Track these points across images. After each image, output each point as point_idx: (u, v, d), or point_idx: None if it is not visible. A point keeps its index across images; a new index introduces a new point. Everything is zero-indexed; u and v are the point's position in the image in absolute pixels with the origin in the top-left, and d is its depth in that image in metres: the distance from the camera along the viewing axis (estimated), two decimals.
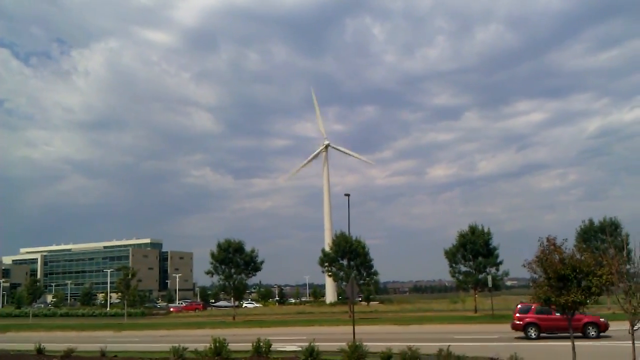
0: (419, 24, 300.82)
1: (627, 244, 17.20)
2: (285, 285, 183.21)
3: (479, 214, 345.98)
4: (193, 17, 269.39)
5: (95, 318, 78.88)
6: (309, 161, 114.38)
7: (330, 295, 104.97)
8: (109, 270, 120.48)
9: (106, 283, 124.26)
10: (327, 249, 64.49)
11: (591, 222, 59.52)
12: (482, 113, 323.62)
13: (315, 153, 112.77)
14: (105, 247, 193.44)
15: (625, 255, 16.84)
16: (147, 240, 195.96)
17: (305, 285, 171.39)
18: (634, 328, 15.36)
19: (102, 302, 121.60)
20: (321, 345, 20.90)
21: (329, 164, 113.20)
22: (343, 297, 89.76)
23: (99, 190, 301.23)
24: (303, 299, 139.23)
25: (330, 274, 62.45)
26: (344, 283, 56.18)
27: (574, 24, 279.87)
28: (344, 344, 19.57)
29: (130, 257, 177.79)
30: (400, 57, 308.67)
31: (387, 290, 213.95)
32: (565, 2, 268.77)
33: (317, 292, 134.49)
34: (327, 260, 61.15)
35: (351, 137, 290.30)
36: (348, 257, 59.22)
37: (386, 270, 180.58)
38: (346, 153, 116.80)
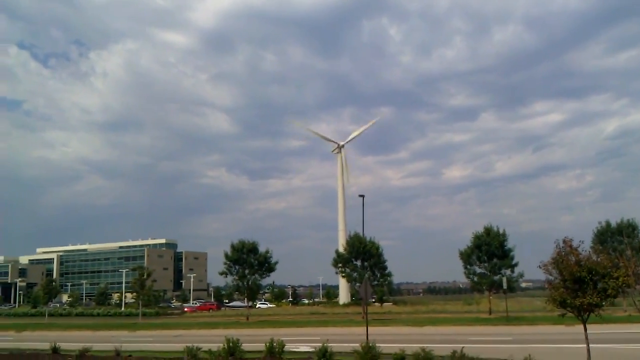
0: (436, 24, 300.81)
1: None
2: (299, 286, 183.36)
3: (494, 215, 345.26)
4: (210, 19, 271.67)
5: (110, 318, 79.36)
6: (344, 167, 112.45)
7: (343, 296, 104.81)
8: (124, 270, 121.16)
9: (121, 283, 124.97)
10: (341, 249, 64.43)
11: (608, 223, 58.89)
12: (499, 114, 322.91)
13: (341, 160, 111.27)
14: (120, 247, 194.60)
15: None
16: (162, 241, 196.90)
17: (318, 286, 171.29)
18: None
19: (117, 302, 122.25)
20: (334, 346, 20.89)
21: (343, 165, 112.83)
22: (356, 298, 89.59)
23: (115, 190, 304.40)
24: (316, 300, 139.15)
25: (343, 274, 62.33)
26: (358, 284, 56.09)
27: (593, 24, 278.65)
28: (357, 345, 19.55)
29: (146, 257, 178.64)
30: (417, 57, 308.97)
31: (401, 291, 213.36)
32: (583, 2, 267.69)
33: (331, 293, 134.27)
34: (341, 261, 61.06)
35: (366, 138, 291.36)
36: (362, 258, 59.05)
37: (400, 271, 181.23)
38: (357, 135, 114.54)
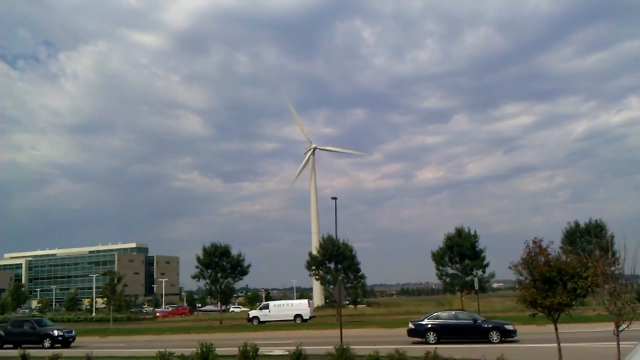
0: (409, 26, 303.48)
1: (612, 246, 17.34)
2: (273, 289, 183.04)
3: (466, 217, 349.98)
4: (183, 20, 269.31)
5: (80, 323, 77.97)
6: (302, 169, 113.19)
7: (317, 299, 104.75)
8: (94, 275, 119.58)
9: (91, 288, 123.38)
10: (315, 252, 64.36)
11: (577, 224, 59.91)
12: (471, 116, 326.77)
13: (306, 159, 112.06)
14: (90, 252, 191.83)
15: (610, 256, 16.96)
16: (133, 245, 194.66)
17: (292, 289, 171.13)
18: (619, 329, 15.46)
19: (88, 307, 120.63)
20: (308, 349, 20.84)
21: (316, 168, 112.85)
22: (330, 301, 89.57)
23: (85, 194, 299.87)
24: None
25: (317, 277, 62.29)
26: (331, 286, 56.09)
27: (563, 27, 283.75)
28: (331, 347, 19.53)
29: (116, 261, 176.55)
30: (390, 60, 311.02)
31: (375, 293, 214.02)
32: (553, 5, 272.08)
33: (305, 295, 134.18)
34: (314, 264, 60.99)
35: (340, 140, 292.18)
36: (335, 260, 59.07)
37: (374, 273, 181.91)
38: (334, 151, 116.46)
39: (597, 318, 37.50)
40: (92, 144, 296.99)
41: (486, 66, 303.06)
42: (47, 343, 36.11)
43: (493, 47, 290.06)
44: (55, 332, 37.33)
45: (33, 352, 24.80)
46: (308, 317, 59.51)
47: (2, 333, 37.77)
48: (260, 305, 68.79)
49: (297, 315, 59.36)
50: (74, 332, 39.29)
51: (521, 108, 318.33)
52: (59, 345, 35.69)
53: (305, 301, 65.59)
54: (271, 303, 67.26)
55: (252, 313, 63.57)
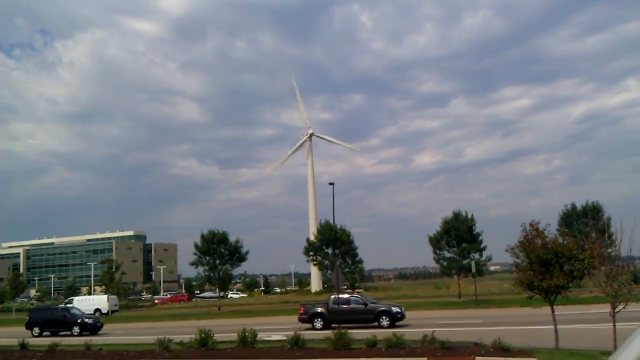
0: (407, 10, 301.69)
1: (609, 228, 17.39)
2: (271, 275, 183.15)
3: (464, 201, 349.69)
4: (179, 6, 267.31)
5: None
6: (294, 152, 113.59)
7: (315, 284, 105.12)
8: (92, 264, 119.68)
9: (90, 276, 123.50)
10: (312, 238, 64.58)
11: (574, 206, 60.10)
12: (469, 100, 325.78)
13: (299, 143, 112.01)
14: (88, 240, 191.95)
15: (606, 238, 17.02)
16: (131, 233, 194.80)
17: (290, 274, 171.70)
18: (615, 310, 15.53)
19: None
20: (307, 334, 20.92)
21: (313, 153, 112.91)
22: (328, 286, 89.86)
23: (83, 183, 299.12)
24: (288, 289, 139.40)
25: (315, 262, 62.56)
26: (329, 272, 56.32)
27: (562, 9, 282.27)
28: (329, 332, 19.60)
29: (114, 249, 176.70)
30: (388, 44, 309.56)
31: (372, 277, 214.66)
32: None
33: (303, 281, 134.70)
34: (312, 250, 61.24)
35: (338, 125, 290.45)
36: (333, 245, 59.33)
37: (371, 258, 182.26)
38: (330, 141, 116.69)
39: (593, 300, 37.69)
40: (89, 133, 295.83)
41: (485, 49, 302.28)
42: (76, 330, 36.89)
43: (492, 30, 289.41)
44: (87, 320, 38.13)
45: (32, 341, 24.89)
46: (107, 311, 62.62)
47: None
48: (66, 300, 72.50)
49: (97, 310, 61.91)
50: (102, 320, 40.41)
51: (520, 91, 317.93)
52: (87, 332, 36.12)
53: (105, 296, 69.27)
54: (75, 298, 70.07)
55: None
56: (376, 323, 29.76)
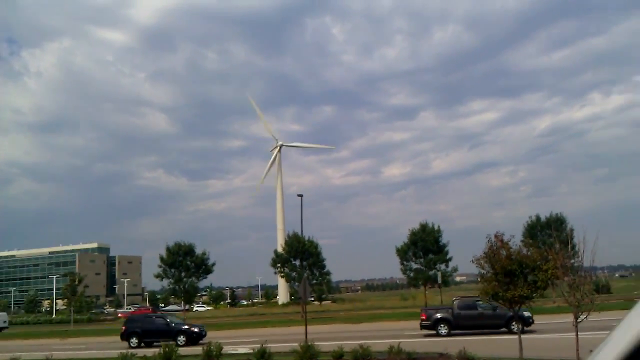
0: (378, 24, 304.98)
1: (572, 239, 17.65)
2: (237, 287, 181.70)
3: (431, 212, 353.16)
4: (149, 16, 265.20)
5: (40, 325, 76.43)
6: (270, 167, 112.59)
7: (282, 296, 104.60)
8: (54, 277, 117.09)
9: (52, 289, 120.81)
10: (280, 249, 64.21)
11: (538, 217, 61.10)
12: (438, 112, 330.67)
13: (272, 157, 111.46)
14: (50, 253, 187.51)
15: (569, 249, 17.27)
16: (94, 245, 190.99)
17: (257, 286, 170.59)
18: (578, 320, 15.75)
19: (48, 309, 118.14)
20: (273, 347, 20.74)
21: (282, 165, 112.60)
22: (296, 298, 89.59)
23: (47, 194, 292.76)
24: (255, 301, 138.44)
25: (282, 274, 62.18)
26: (297, 283, 56.03)
27: (529, 25, 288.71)
28: (296, 344, 19.46)
29: (77, 262, 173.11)
30: (359, 57, 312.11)
31: (340, 289, 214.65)
32: (520, 3, 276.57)
33: (270, 293, 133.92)
34: (280, 261, 60.87)
35: (308, 137, 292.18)
36: (301, 257, 59.07)
37: (339, 269, 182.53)
38: (300, 147, 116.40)
39: (556, 310, 38.27)
40: (54, 143, 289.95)
41: (454, 63, 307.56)
42: (181, 340, 34.31)
43: (461, 44, 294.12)
44: (194, 329, 35.91)
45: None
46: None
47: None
48: None
49: None
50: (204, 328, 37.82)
51: (487, 104, 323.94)
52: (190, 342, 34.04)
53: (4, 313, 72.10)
54: None
55: None
56: (505, 329, 28.17)
